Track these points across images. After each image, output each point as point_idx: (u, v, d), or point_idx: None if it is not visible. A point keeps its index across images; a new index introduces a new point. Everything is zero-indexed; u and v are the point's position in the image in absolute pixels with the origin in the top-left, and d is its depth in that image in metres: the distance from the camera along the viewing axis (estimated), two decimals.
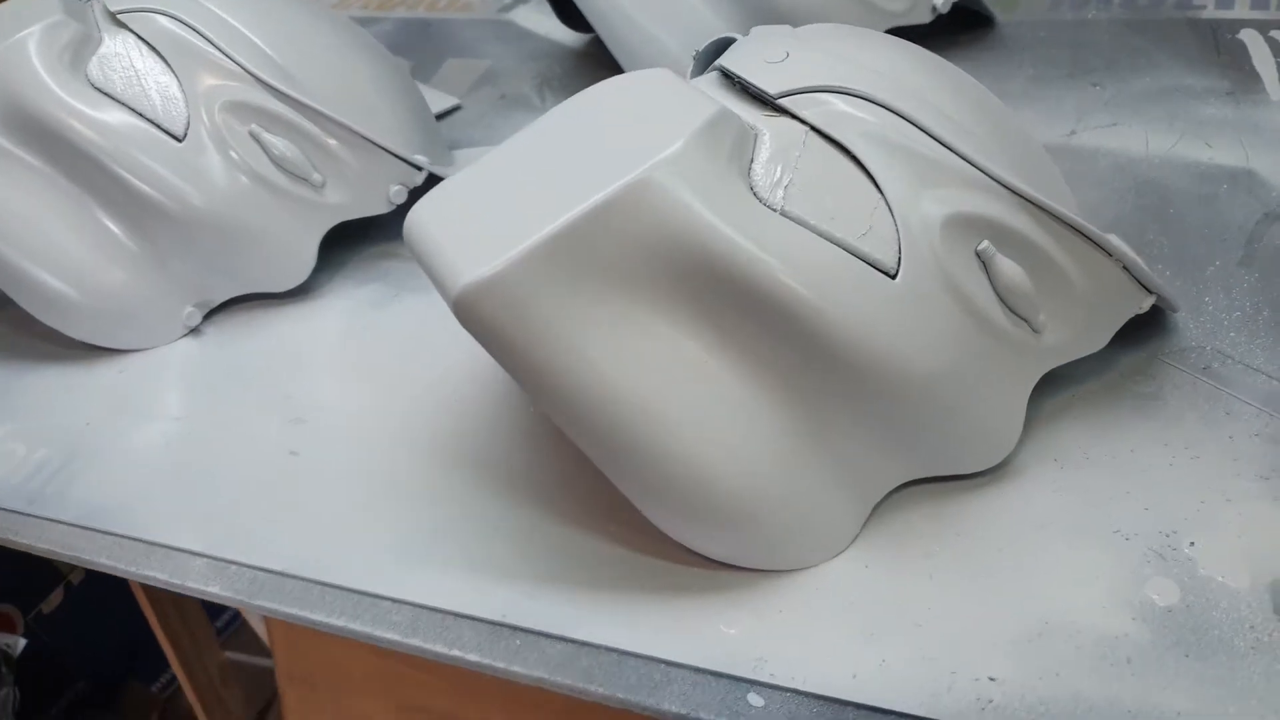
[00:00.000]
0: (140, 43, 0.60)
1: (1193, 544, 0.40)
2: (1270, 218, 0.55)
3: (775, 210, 0.39)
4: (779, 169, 0.39)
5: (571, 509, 0.46)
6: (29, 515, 0.52)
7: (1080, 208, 0.58)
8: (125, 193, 0.58)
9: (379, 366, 0.58)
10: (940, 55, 0.47)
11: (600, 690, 0.40)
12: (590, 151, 0.39)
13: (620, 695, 0.39)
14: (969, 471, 0.43)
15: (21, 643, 1.13)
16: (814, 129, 0.40)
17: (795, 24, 0.50)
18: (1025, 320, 0.42)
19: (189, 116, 0.59)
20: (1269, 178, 0.57)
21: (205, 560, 0.48)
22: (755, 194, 0.39)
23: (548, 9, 0.88)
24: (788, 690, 0.38)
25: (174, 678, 1.06)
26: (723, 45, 0.47)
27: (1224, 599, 0.38)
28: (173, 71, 0.59)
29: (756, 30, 0.47)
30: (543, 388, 0.38)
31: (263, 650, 1.09)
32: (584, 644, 0.41)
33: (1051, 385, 0.45)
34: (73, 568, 1.15)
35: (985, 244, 0.40)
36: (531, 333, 0.37)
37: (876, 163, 0.40)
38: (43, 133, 0.57)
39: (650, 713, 0.39)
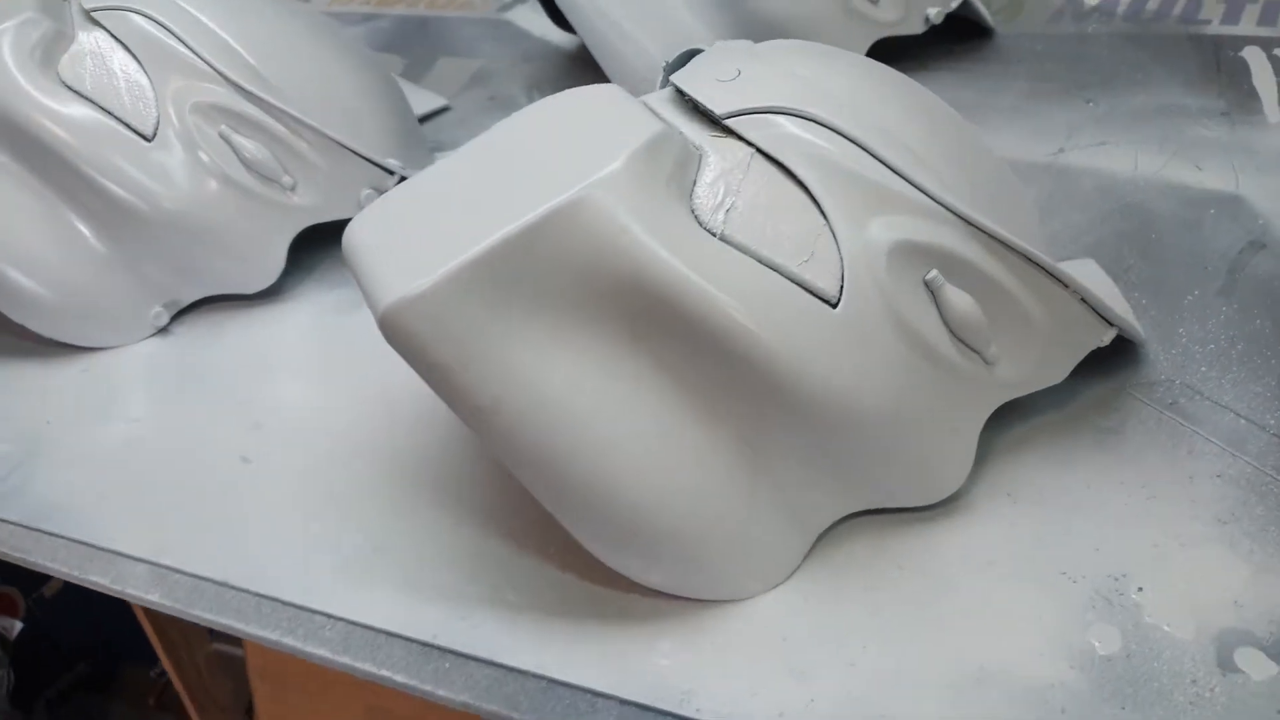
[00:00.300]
0: (113, 41, 0.60)
1: (1140, 589, 0.39)
2: (1254, 246, 0.53)
3: (715, 234, 0.38)
4: (721, 191, 0.38)
5: (514, 529, 0.46)
6: None
7: (1060, 231, 0.57)
8: (93, 191, 0.58)
9: (340, 374, 0.57)
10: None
11: (526, 718, 0.39)
12: (529, 168, 0.39)
13: None
14: (915, 505, 0.42)
15: (18, 626, 1.14)
16: (760, 151, 0.39)
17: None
18: (977, 352, 0.41)
19: (159, 116, 0.58)
20: (1256, 203, 0.56)
21: (147, 566, 0.48)
22: (696, 217, 0.38)
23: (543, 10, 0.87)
24: None
25: None
26: (691, 57, 0.46)
27: (1167, 649, 0.37)
28: (145, 70, 0.59)
29: (718, 45, 0.46)
30: (471, 410, 0.38)
31: None
32: (511, 669, 0.40)
33: (1010, 416, 0.44)
34: None
35: (934, 273, 0.39)
36: (459, 354, 0.36)
37: (822, 188, 0.38)
38: (11, 129, 0.57)
39: None
